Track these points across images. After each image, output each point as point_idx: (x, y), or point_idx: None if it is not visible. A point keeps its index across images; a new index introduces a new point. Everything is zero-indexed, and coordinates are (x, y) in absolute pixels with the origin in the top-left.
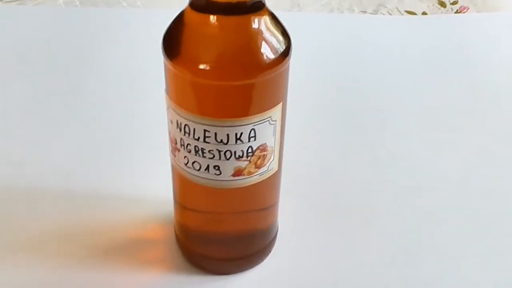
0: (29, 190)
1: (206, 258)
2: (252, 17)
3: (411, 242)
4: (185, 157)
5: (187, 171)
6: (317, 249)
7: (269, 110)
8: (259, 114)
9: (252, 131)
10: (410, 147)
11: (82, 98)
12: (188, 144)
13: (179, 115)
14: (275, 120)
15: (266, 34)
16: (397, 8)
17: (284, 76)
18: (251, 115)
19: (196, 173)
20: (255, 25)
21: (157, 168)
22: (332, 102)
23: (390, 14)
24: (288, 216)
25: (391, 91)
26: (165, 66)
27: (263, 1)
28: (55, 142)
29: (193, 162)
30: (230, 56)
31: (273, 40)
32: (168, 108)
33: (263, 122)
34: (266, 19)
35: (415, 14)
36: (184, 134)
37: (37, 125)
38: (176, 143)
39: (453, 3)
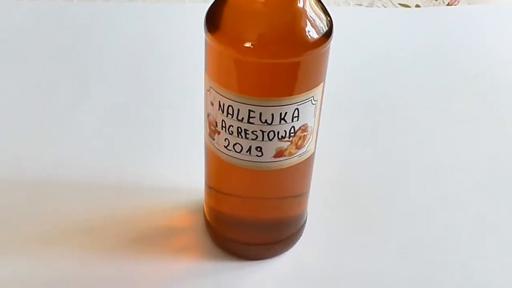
0: (56, 182)
1: (238, 243)
2: None
3: (443, 236)
4: (226, 139)
5: (227, 154)
6: (344, 235)
7: (312, 90)
8: (303, 94)
9: (296, 110)
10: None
11: (97, 83)
12: (230, 126)
13: (222, 95)
14: (317, 100)
15: (311, 13)
16: (391, 1)
17: (326, 55)
18: (296, 95)
19: (237, 155)
20: (300, 4)
21: (183, 156)
22: (329, 94)
23: (385, 7)
24: (316, 202)
25: (389, 83)
26: (207, 44)
27: None
28: (78, 131)
29: (235, 144)
30: (277, 34)
31: (317, 19)
32: (208, 90)
33: (306, 102)
34: None
35: (408, 6)
36: (227, 116)
37: (57, 116)
38: (216, 126)
39: None
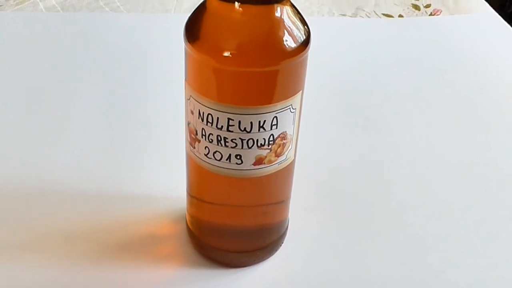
0: (39, 190)
1: (221, 251)
2: (275, 6)
3: (422, 238)
4: (206, 147)
5: (207, 162)
6: (327, 239)
7: (290, 98)
8: (282, 102)
9: (275, 119)
10: (404, 144)
11: (72, 102)
12: (210, 134)
13: (201, 104)
14: (295, 108)
15: (289, 23)
16: (374, 12)
17: (304, 64)
18: (274, 103)
19: (217, 163)
20: (278, 14)
21: (165, 164)
22: (312, 102)
23: (369, 17)
24: (298, 208)
25: (373, 92)
26: (187, 53)
27: None
28: (62, 142)
29: (214, 152)
30: (255, 43)
31: (294, 29)
32: (188, 99)
33: (285, 110)
34: (287, 8)
35: (392, 16)
36: (207, 124)
37: (40, 126)
38: (196, 134)
39: (427, 6)
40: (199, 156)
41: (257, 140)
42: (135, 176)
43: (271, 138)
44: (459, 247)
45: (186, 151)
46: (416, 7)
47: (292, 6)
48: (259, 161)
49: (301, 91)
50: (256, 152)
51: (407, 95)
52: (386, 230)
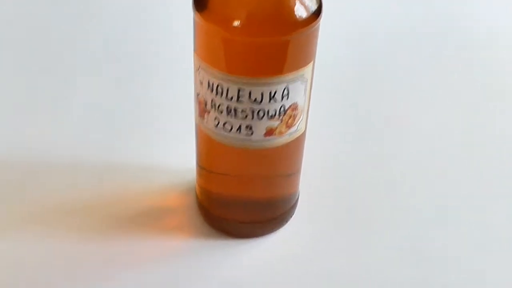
0: (44, 162)
1: (230, 221)
2: None
3: (431, 215)
4: (215, 118)
5: (217, 133)
6: (336, 211)
7: (301, 69)
8: (293, 72)
9: (286, 89)
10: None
11: (85, 58)
12: (220, 105)
13: (211, 75)
14: (307, 79)
15: None
16: None
17: (316, 34)
18: (285, 74)
19: (227, 134)
20: None
21: (175, 135)
22: (325, 72)
23: None
24: (308, 180)
25: (389, 59)
26: (196, 23)
27: None
28: (69, 111)
29: (224, 123)
30: (265, 12)
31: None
32: (198, 69)
33: (296, 81)
34: None
35: None
36: (216, 95)
37: (45, 95)
38: (206, 105)
39: None
40: (208, 127)
41: (268, 111)
42: (143, 147)
43: (282, 109)
44: (476, 249)
45: (195, 122)
46: None
47: None
48: (269, 132)
49: (312, 62)
50: (266, 123)
51: (425, 62)
52: (398, 205)
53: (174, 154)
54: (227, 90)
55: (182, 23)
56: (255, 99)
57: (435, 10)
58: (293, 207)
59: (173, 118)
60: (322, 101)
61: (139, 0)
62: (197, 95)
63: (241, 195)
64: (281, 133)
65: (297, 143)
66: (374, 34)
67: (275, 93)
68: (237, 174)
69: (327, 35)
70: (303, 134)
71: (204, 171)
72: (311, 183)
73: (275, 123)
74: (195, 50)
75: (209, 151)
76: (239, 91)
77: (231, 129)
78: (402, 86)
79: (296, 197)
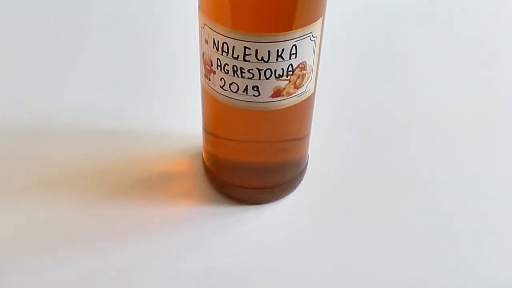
0: (50, 128)
1: (238, 187)
2: None
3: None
4: (221, 79)
5: (223, 94)
6: (345, 177)
7: (310, 25)
8: (301, 29)
9: (294, 47)
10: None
11: (87, 26)
12: (225, 64)
13: (216, 32)
14: (316, 37)
15: None
16: None
17: None
18: (293, 30)
19: (234, 95)
20: None
21: (180, 101)
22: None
23: None
24: (317, 144)
25: (395, 16)
26: None
27: None
28: (75, 77)
29: (231, 84)
30: None
31: None
32: (202, 27)
33: (304, 38)
34: None
35: None
36: (222, 53)
37: (51, 62)
38: (211, 65)
39: None
40: (214, 89)
41: (275, 71)
42: (149, 113)
43: (290, 68)
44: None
45: (201, 84)
46: None
47: None
48: (277, 92)
49: (322, 18)
50: (274, 83)
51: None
52: (407, 174)
53: (181, 119)
54: (233, 48)
55: None
56: (262, 58)
57: None
58: (302, 172)
59: (180, 82)
60: (333, 61)
61: None
62: (203, 54)
63: (248, 161)
64: (289, 93)
65: (306, 105)
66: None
67: (282, 51)
68: (244, 138)
69: None
70: (312, 96)
71: (210, 136)
72: (320, 146)
73: (282, 83)
74: (199, 7)
75: (215, 115)
76: (245, 49)
77: (237, 89)
78: (417, 39)
79: (306, 162)
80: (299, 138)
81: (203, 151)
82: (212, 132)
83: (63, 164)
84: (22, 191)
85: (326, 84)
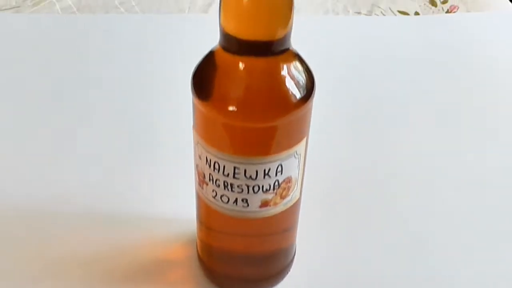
0: (45, 213)
1: (229, 278)
2: (280, 59)
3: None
4: (213, 190)
5: (214, 203)
6: (333, 266)
7: (295, 146)
8: (286, 151)
9: (280, 166)
10: (407, 147)
11: (88, 109)
12: (217, 180)
13: (208, 152)
14: (300, 154)
15: (293, 76)
16: (390, 8)
17: (309, 113)
18: (279, 152)
19: (224, 205)
20: (282, 68)
21: (178, 187)
22: (326, 102)
23: (384, 15)
24: (305, 236)
25: (388, 90)
26: (195, 105)
27: (289, 43)
28: (69, 160)
29: (222, 196)
30: (260, 100)
31: (299, 82)
32: (196, 144)
33: (289, 157)
34: (292, 60)
35: (407, 14)
36: (214, 170)
37: (46, 140)
38: (204, 177)
39: (444, 2)
40: (207, 197)
41: (263, 186)
42: (145, 198)
43: (276, 183)
44: (475, 252)
45: (195, 188)
46: (433, 2)
47: (297, 56)
48: (264, 204)
49: (306, 137)
50: (261, 196)
51: (424, 94)
52: (395, 254)
53: (176, 204)
54: (224, 167)
55: (192, 53)
56: (250, 176)
57: (441, 37)
58: (290, 263)
59: (176, 168)
60: (320, 151)
61: (147, 33)
62: (196, 166)
63: (240, 251)
64: (275, 203)
65: (293, 207)
66: (383, 65)
67: (269, 170)
68: (235, 233)
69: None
70: (298, 200)
71: (203, 227)
72: (308, 234)
73: (269, 195)
74: (193, 126)
75: (208, 214)
76: (234, 168)
77: (228, 201)
78: (410, 113)
79: (293, 252)
80: (286, 230)
81: (197, 238)
82: (204, 223)
83: (55, 252)
84: (12, 279)
85: (316, 162)
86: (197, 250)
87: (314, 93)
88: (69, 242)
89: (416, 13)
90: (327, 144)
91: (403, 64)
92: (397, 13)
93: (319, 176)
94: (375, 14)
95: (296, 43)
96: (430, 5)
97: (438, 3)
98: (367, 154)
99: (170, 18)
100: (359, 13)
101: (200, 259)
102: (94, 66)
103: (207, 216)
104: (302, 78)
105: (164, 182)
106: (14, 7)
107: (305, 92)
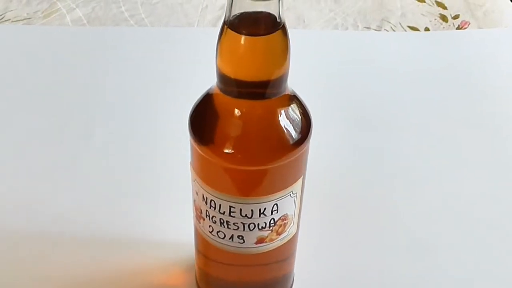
0: (43, 236)
1: None
2: (276, 103)
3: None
4: (210, 226)
5: (211, 238)
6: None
7: (290, 186)
8: (282, 191)
9: (275, 205)
10: (417, 163)
11: (93, 126)
12: (213, 216)
13: (205, 190)
14: (296, 193)
15: (289, 119)
16: (400, 24)
17: (305, 154)
18: (274, 193)
19: (220, 240)
20: (278, 111)
21: (178, 212)
22: (335, 117)
23: (394, 30)
24: (304, 262)
25: (397, 106)
26: (193, 146)
27: (285, 86)
28: (69, 184)
29: (218, 231)
30: (256, 143)
31: (294, 125)
32: (193, 181)
33: (285, 197)
34: (288, 103)
35: (417, 29)
36: (210, 208)
37: (49, 163)
38: (201, 213)
39: (455, 18)
40: (204, 231)
41: (258, 224)
42: (145, 223)
43: (272, 222)
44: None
45: (193, 220)
46: (444, 18)
47: (295, 98)
48: (260, 240)
49: (302, 177)
50: (257, 233)
51: (431, 113)
52: (394, 273)
53: (176, 228)
54: (220, 206)
55: (202, 67)
56: (246, 215)
57: (452, 53)
58: None
59: (177, 193)
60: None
61: (156, 47)
62: (194, 201)
63: (237, 280)
64: (271, 240)
65: (290, 241)
66: (393, 81)
67: (264, 209)
68: (231, 264)
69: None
70: (295, 235)
71: (201, 255)
72: (305, 262)
73: (265, 233)
74: (191, 163)
75: (205, 244)
76: (230, 207)
77: (224, 237)
78: (419, 128)
79: (292, 278)
80: (283, 260)
81: (195, 265)
82: (201, 251)
83: (53, 276)
84: None
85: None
86: (196, 277)
87: (310, 136)
88: (68, 266)
89: (426, 29)
90: (328, 160)
91: (413, 80)
92: (407, 29)
93: (318, 193)
94: (384, 29)
95: (305, 58)
96: (441, 21)
97: (449, 18)
98: (368, 169)
99: (180, 31)
100: (368, 28)
101: (199, 286)
102: (103, 78)
103: (204, 247)
104: (298, 121)
105: (164, 207)
106: (25, 18)
107: (300, 135)
